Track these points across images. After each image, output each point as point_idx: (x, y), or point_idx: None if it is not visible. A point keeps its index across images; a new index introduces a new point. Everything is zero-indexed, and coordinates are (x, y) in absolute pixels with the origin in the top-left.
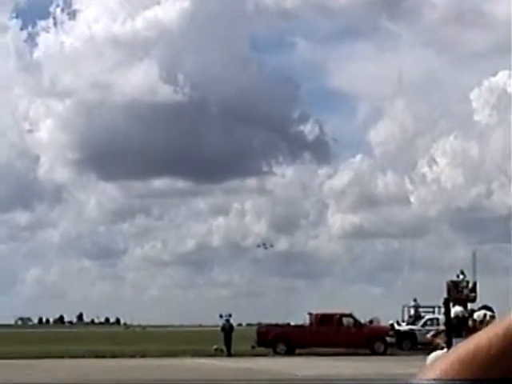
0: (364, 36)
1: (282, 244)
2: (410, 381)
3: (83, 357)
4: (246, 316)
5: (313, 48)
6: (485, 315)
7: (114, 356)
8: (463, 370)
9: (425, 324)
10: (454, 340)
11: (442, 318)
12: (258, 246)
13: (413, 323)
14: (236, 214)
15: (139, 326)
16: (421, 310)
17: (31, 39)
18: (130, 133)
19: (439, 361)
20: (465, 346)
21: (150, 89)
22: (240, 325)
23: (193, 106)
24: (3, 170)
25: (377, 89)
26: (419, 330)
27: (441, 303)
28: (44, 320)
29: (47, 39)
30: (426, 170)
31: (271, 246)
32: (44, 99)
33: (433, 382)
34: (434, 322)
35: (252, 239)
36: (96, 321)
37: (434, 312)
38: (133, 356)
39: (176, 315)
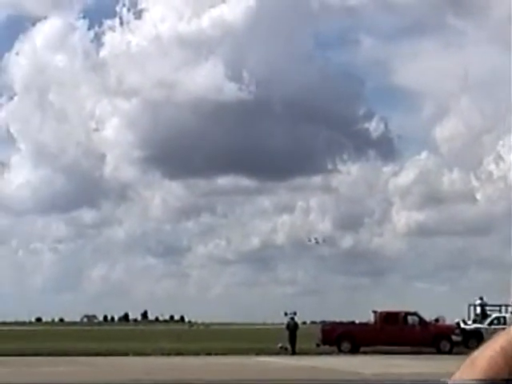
0: (429, 32)
1: (347, 241)
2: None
3: (148, 354)
4: (310, 314)
5: (377, 45)
6: None
7: (178, 354)
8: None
9: (491, 323)
10: None
11: (509, 316)
12: (309, 241)
13: (479, 322)
14: (301, 211)
15: (203, 323)
16: (487, 308)
17: (98, 39)
18: (195, 131)
19: (481, 356)
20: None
21: (215, 87)
22: (304, 323)
23: (257, 103)
24: (70, 168)
25: (442, 85)
26: (486, 329)
27: (508, 302)
28: (109, 318)
29: (113, 39)
30: (492, 167)
31: (323, 241)
32: (110, 98)
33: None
34: (500, 320)
35: (317, 237)
36: (160, 318)
37: (500, 311)
38: (197, 354)
39: (240, 313)
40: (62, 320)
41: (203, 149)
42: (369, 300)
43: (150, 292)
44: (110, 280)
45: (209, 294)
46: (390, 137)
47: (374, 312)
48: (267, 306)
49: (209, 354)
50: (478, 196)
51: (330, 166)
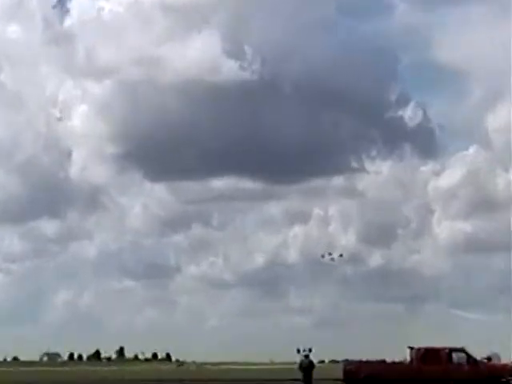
0: None
1: (376, 259)
2: None
3: None
4: (329, 350)
5: (414, 11)
6: None
7: None
8: None
9: None
10: None
11: None
12: (323, 257)
13: None
14: (318, 221)
15: (195, 363)
16: None
17: (61, 4)
18: (185, 121)
19: None
20: None
21: (209, 65)
22: (322, 361)
23: (263, 86)
24: (27, 167)
25: (495, 64)
26: None
27: None
28: (76, 356)
29: (81, 4)
30: None
31: (340, 255)
32: (78, 79)
33: None
34: None
35: (338, 253)
36: (141, 357)
37: None
38: None
39: (241, 349)
40: (16, 359)
41: (195, 143)
42: (403, 333)
43: (127, 323)
44: (77, 308)
45: (202, 325)
46: (429, 127)
47: (410, 348)
48: (275, 340)
49: None
50: None
51: (354, 165)
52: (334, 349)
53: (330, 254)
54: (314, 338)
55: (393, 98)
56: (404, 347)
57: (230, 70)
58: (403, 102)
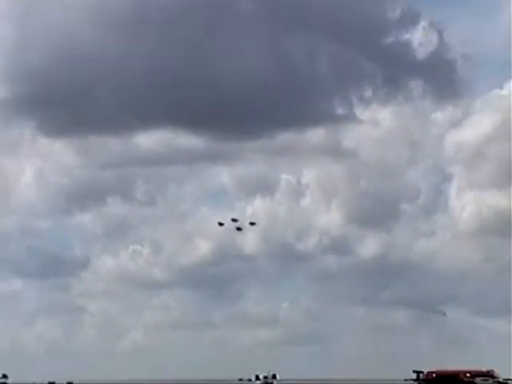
0: None
1: (369, 247)
2: None
3: None
4: (303, 371)
5: None
6: None
7: None
8: None
9: None
10: None
11: None
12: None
13: None
14: (288, 193)
15: None
16: None
17: None
18: (98, 50)
19: None
20: None
21: None
22: None
23: (212, 1)
24: None
25: None
26: None
27: None
28: None
29: None
30: None
31: (252, 223)
32: None
33: None
34: None
35: (321, 237)
36: None
37: None
38: None
39: (177, 374)
40: None
41: (112, 83)
42: (406, 349)
43: (12, 339)
44: None
45: (117, 342)
46: (447, 57)
47: (417, 372)
48: (228, 359)
49: None
50: None
51: (339, 111)
52: (311, 369)
53: (234, 220)
54: (281, 357)
55: (395, 14)
56: (407, 369)
57: None
58: (410, 20)
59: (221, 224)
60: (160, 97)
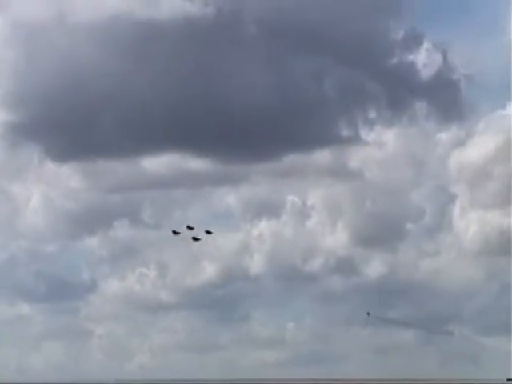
0: None
1: (375, 267)
2: None
3: None
4: None
5: None
6: None
7: None
8: None
9: None
10: None
11: None
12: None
13: None
14: (293, 214)
15: None
16: None
17: None
18: (106, 76)
19: None
20: None
21: None
22: None
23: (217, 23)
24: None
25: None
26: None
27: None
28: None
29: None
30: None
31: (208, 232)
32: None
33: None
34: None
35: (327, 258)
36: None
37: None
38: None
39: None
40: None
41: (119, 107)
42: (413, 369)
43: (19, 364)
44: None
45: (126, 364)
46: (451, 78)
47: None
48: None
49: None
50: None
51: (345, 133)
52: None
53: (190, 228)
54: (287, 377)
55: (399, 35)
56: None
57: (172, 1)
58: (414, 41)
59: (176, 233)
60: (166, 121)
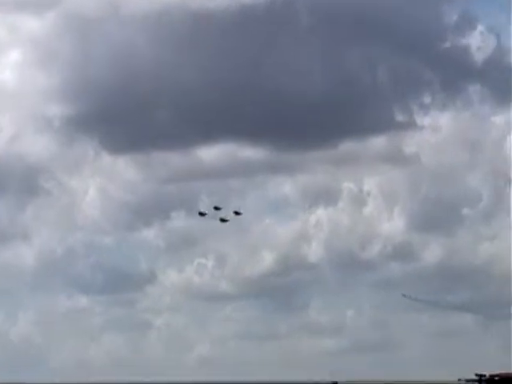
0: None
1: (432, 252)
2: None
3: None
4: (369, 375)
5: None
6: None
7: None
8: None
9: None
10: None
11: None
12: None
13: None
14: (350, 201)
15: None
16: None
17: None
18: (159, 67)
19: None
20: None
21: None
22: None
23: (269, 12)
24: None
25: None
26: None
27: None
28: None
29: None
30: None
31: (236, 213)
32: (5, 14)
33: None
34: None
35: (384, 244)
36: None
37: None
38: None
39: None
40: None
41: (173, 98)
42: (470, 353)
43: (78, 355)
44: (6, 337)
45: (185, 355)
46: (505, 61)
47: (479, 376)
48: (294, 368)
49: None
50: None
51: (399, 118)
52: (376, 374)
53: (217, 208)
54: (347, 365)
55: (452, 19)
56: (471, 373)
57: None
58: (467, 25)
59: (202, 214)
60: (221, 110)
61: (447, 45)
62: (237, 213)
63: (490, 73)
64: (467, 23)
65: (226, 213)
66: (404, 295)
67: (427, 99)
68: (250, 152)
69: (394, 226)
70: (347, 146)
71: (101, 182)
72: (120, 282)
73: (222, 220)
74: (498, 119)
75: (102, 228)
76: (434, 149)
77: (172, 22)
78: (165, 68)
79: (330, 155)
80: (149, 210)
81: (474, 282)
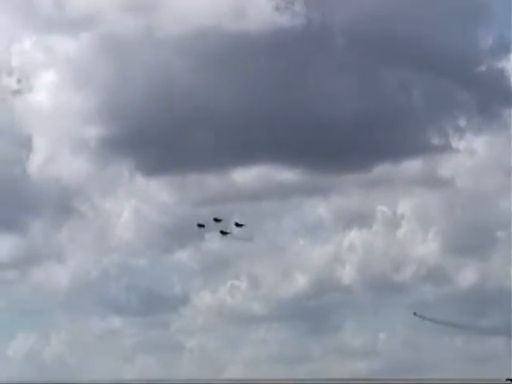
0: None
1: (467, 275)
2: None
3: None
4: None
5: None
6: None
7: None
8: None
9: None
10: None
11: None
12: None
13: None
14: (384, 224)
15: None
16: None
17: None
18: (194, 89)
19: None
20: None
21: (230, 8)
22: None
23: (306, 34)
24: None
25: None
26: None
27: None
28: None
29: None
30: None
31: (237, 224)
32: (41, 35)
33: None
34: None
35: (418, 267)
36: None
37: None
38: None
39: None
40: None
41: (209, 120)
42: (501, 376)
43: (110, 375)
44: (40, 357)
45: (218, 377)
46: None
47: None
48: None
49: None
50: None
51: (434, 141)
52: None
53: (217, 220)
54: None
55: (487, 43)
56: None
57: (261, 13)
58: (502, 48)
59: (201, 226)
60: (256, 132)
61: (483, 68)
62: (238, 224)
63: None
64: (503, 47)
65: (227, 225)
66: (415, 313)
67: (463, 122)
68: (284, 174)
69: (427, 248)
70: (382, 169)
71: (135, 203)
72: (153, 304)
73: (223, 232)
74: None
75: (135, 250)
76: (468, 172)
77: (208, 43)
78: (200, 90)
79: (364, 178)
80: (182, 232)
81: (507, 306)
